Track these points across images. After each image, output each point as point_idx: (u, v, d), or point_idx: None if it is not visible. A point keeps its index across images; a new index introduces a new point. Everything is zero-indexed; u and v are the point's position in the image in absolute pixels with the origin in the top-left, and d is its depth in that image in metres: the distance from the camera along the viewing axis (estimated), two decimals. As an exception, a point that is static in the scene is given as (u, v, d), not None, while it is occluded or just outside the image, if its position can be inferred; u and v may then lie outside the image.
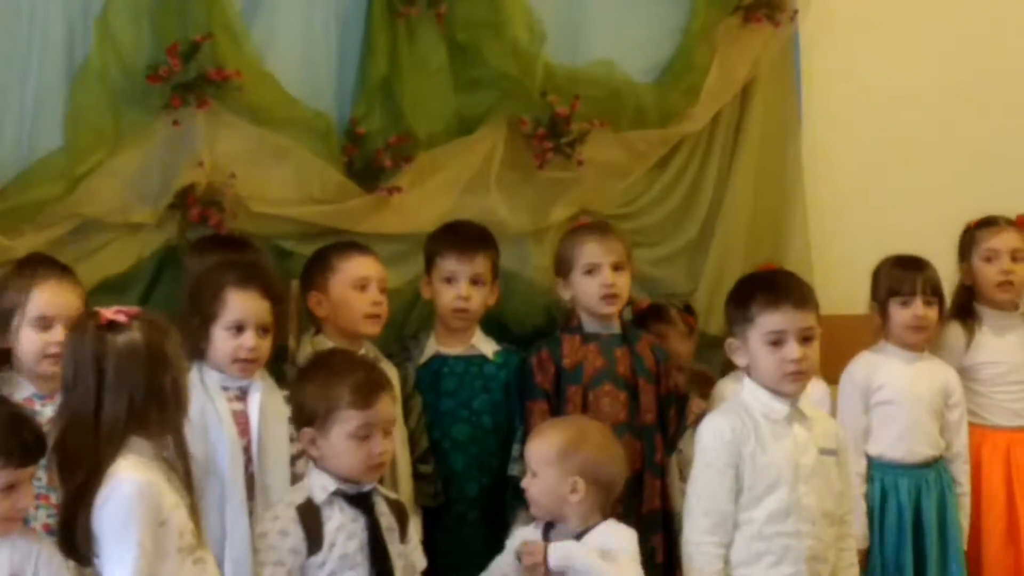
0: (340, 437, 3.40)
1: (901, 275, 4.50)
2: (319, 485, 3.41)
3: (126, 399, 3.08)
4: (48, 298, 3.56)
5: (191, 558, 3.09)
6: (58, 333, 3.50)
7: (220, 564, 3.41)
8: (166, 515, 3.05)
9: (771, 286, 3.74)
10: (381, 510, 3.45)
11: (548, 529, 3.64)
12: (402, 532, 3.49)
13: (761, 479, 3.65)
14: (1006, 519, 4.63)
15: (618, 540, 3.57)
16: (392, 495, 3.58)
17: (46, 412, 3.47)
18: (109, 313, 3.14)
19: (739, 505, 3.65)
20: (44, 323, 3.54)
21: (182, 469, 3.11)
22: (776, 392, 3.69)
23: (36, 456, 3.07)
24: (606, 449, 3.68)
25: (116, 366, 3.09)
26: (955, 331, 4.68)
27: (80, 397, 3.11)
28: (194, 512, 3.12)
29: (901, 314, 4.48)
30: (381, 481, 3.57)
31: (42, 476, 3.27)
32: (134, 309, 3.18)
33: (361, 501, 3.42)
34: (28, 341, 3.54)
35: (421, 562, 3.57)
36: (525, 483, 3.66)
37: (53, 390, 3.49)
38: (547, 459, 3.61)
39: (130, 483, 3.03)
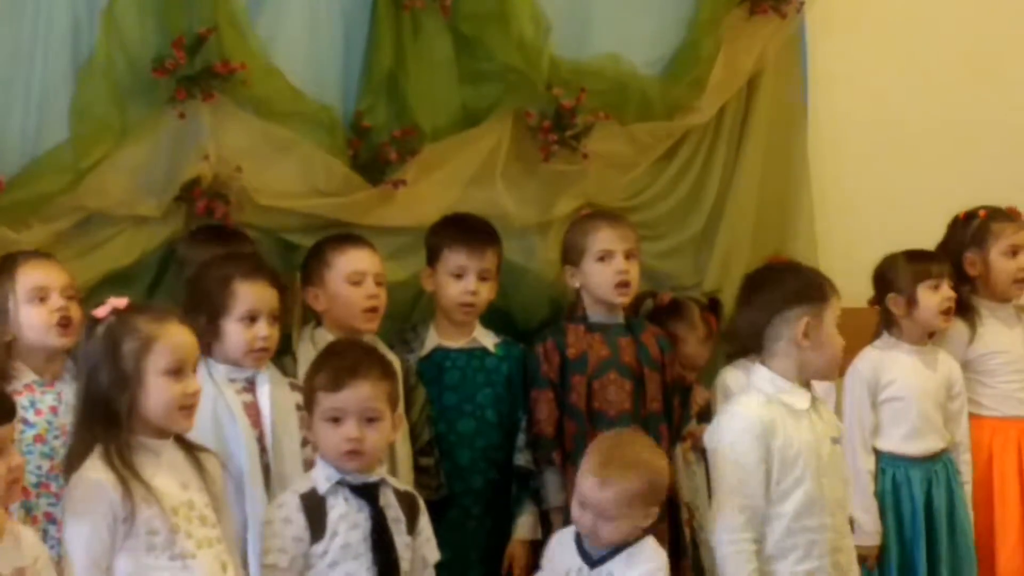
0: (318, 421, 3.40)
1: (926, 261, 4.50)
2: (323, 475, 3.40)
3: (83, 396, 3.15)
4: (37, 271, 3.57)
5: (167, 554, 3.09)
6: (56, 301, 3.51)
7: (244, 556, 3.42)
8: (125, 512, 3.06)
9: None
10: (388, 501, 3.44)
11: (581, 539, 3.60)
12: (411, 524, 3.47)
13: (789, 473, 3.62)
14: (1020, 511, 4.63)
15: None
16: (403, 487, 3.56)
17: (47, 399, 3.49)
18: (101, 309, 3.17)
19: (769, 500, 3.61)
20: (40, 295, 3.54)
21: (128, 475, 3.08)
22: (795, 381, 3.69)
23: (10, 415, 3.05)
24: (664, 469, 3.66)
25: (84, 363, 3.16)
26: (957, 325, 4.66)
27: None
28: (175, 513, 3.12)
29: (933, 298, 4.46)
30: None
31: (43, 464, 3.29)
32: (123, 302, 3.19)
33: (366, 491, 3.41)
34: (28, 317, 3.54)
35: (433, 555, 3.54)
36: (587, 525, 3.55)
37: (54, 376, 3.51)
38: (626, 502, 3.52)
39: (82, 483, 3.07)
